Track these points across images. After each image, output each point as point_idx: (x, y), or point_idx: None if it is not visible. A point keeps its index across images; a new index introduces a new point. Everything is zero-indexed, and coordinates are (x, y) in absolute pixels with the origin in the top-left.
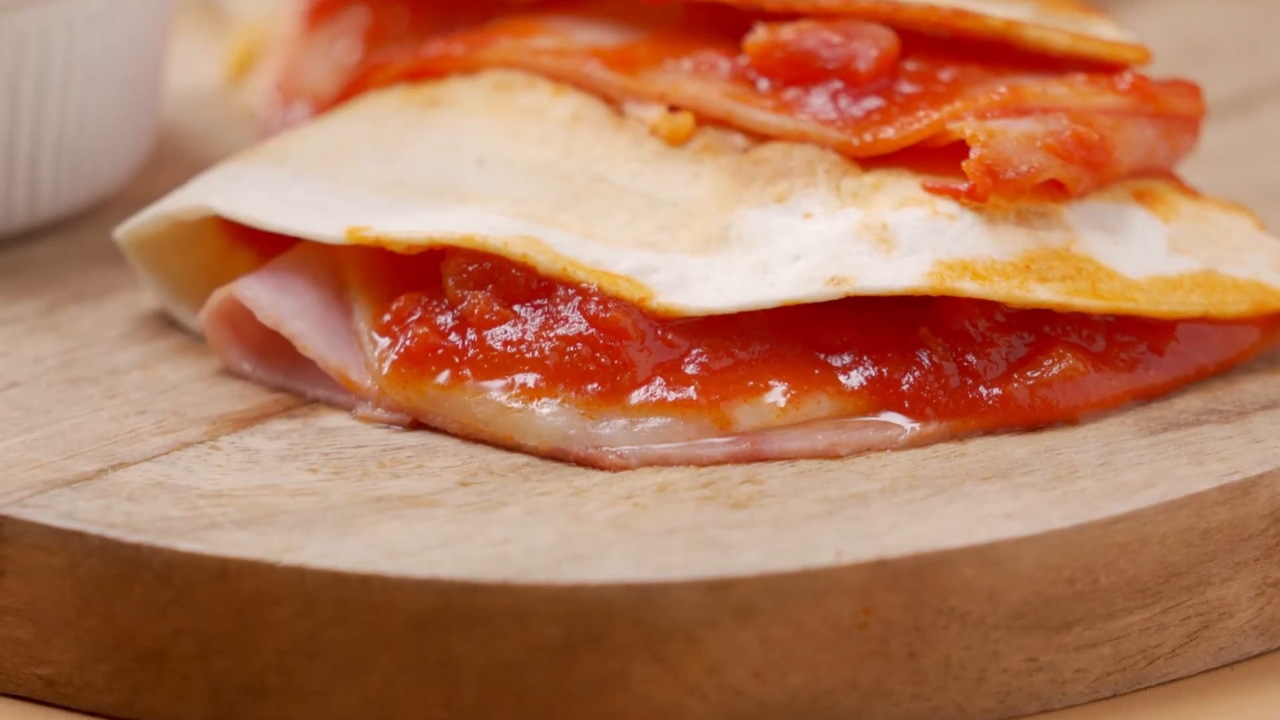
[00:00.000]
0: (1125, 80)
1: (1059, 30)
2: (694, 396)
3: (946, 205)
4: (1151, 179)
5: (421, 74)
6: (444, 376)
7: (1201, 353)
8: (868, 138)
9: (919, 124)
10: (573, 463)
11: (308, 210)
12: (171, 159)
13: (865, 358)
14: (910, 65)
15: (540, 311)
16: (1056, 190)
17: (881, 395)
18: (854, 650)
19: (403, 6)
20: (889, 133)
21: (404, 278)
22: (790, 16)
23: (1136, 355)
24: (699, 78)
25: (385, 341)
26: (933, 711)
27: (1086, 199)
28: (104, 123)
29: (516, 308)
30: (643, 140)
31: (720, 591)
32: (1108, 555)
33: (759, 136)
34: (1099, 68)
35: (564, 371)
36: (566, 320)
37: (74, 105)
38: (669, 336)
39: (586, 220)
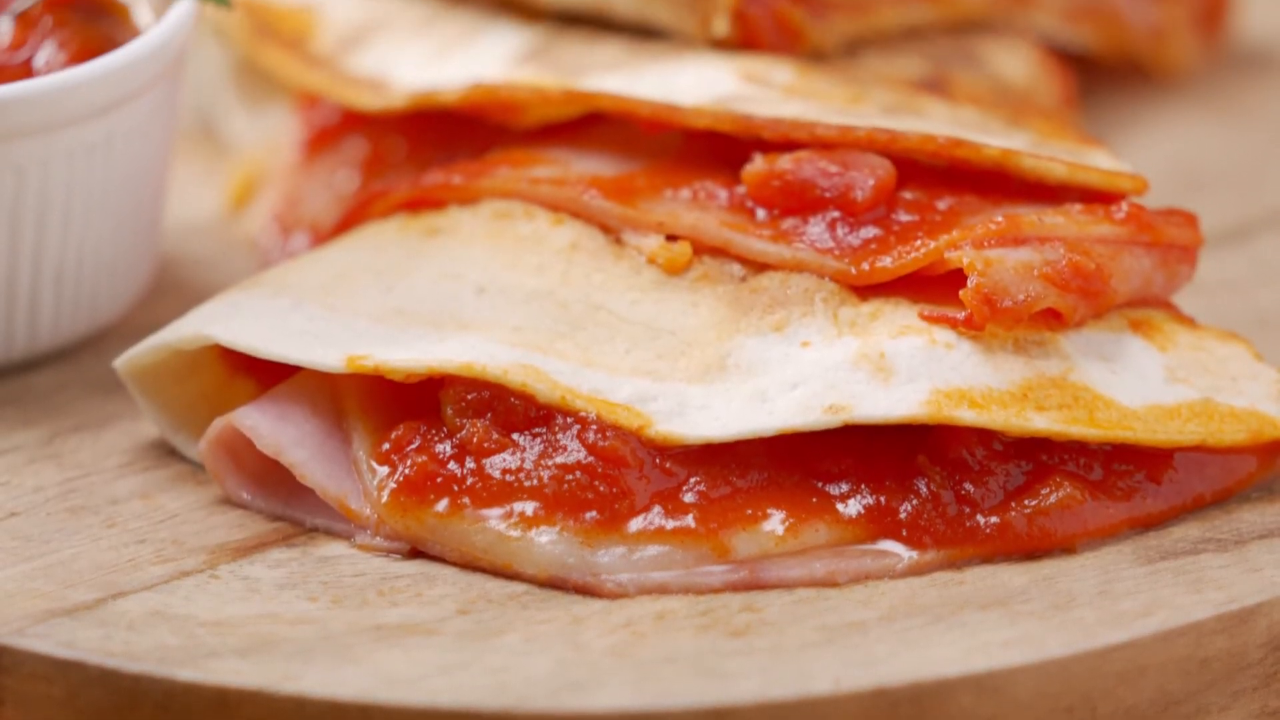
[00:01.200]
0: (1122, 210)
1: (1056, 160)
2: (692, 525)
3: (944, 334)
4: (1148, 308)
5: (421, 203)
6: (443, 505)
7: (1199, 481)
8: (865, 267)
9: (916, 253)
10: (571, 590)
11: (307, 339)
12: (171, 288)
13: (863, 486)
14: (908, 194)
15: (539, 440)
16: (1053, 319)
17: (879, 523)
18: None
19: (401, 136)
20: (886, 262)
21: (403, 406)
22: (788, 146)
23: (1134, 484)
24: (697, 207)
25: (384, 470)
26: None
27: (1083, 328)
28: (104, 253)
29: (515, 436)
30: (641, 269)
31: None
32: (1106, 683)
33: (757, 265)
34: (1096, 197)
35: (562, 500)
36: (565, 448)
37: (74, 236)
38: (667, 465)
39: (585, 348)
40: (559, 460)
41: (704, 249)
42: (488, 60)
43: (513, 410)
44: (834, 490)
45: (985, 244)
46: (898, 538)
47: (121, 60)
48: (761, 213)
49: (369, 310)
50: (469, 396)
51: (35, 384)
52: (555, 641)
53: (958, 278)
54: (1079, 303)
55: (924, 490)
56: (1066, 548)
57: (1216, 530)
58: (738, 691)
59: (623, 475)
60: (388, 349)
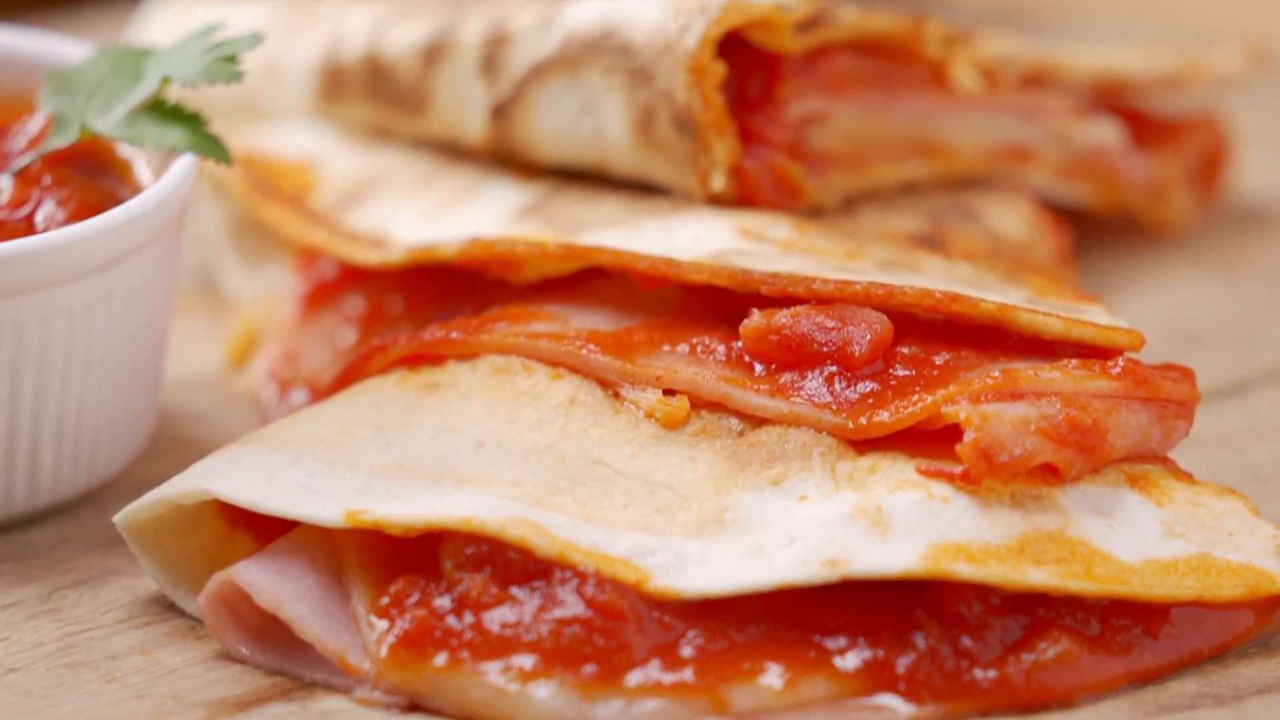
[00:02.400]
0: (1119, 365)
1: (1052, 315)
2: (691, 679)
3: (941, 488)
4: (1145, 463)
5: (420, 359)
6: (441, 659)
7: (1196, 636)
8: (862, 422)
9: (913, 408)
10: None
11: (306, 494)
12: (171, 443)
13: (861, 640)
14: (905, 349)
15: (538, 594)
16: (1050, 474)
17: (877, 677)
18: None
19: (399, 292)
20: (884, 417)
21: (402, 560)
22: (785, 301)
23: (1131, 639)
24: (695, 362)
25: (383, 624)
26: None
27: (1080, 482)
28: (104, 408)
29: (514, 590)
30: (639, 424)
31: None
32: None
33: (755, 419)
34: (1093, 352)
35: (561, 653)
36: (564, 602)
37: (74, 391)
38: (665, 618)
39: (584, 503)
40: (557, 614)
41: (702, 403)
42: (487, 216)
43: (511, 564)
44: (832, 644)
45: (982, 399)
46: (896, 692)
47: (122, 217)
48: (759, 367)
49: (368, 465)
50: (468, 551)
51: (35, 539)
52: None
53: (955, 431)
54: (1076, 458)
55: (922, 644)
56: (1064, 702)
57: (1214, 685)
58: None
59: (621, 629)
60: (387, 504)
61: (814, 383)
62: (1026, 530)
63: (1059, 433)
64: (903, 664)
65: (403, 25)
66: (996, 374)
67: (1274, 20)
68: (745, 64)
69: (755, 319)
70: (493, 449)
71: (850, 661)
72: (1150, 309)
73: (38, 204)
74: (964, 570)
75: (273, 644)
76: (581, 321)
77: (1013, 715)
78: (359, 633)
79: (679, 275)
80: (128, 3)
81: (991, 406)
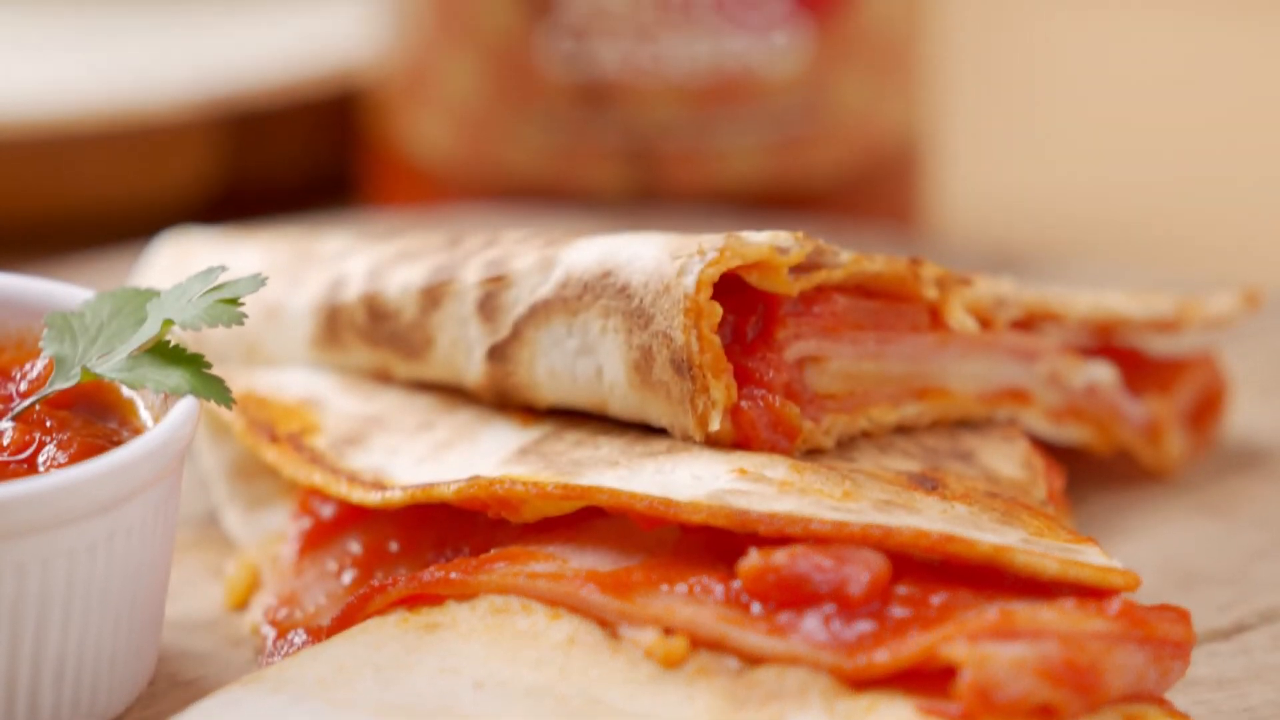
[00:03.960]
0: (1114, 606)
1: (1049, 556)
2: None
3: None
4: (1142, 703)
5: (419, 599)
6: None
7: None
8: (860, 661)
9: (911, 648)
10: None
11: None
12: (171, 684)
13: None
14: (902, 589)
15: None
16: (1048, 714)
17: None
18: None
19: (398, 533)
20: (882, 656)
21: None
22: (783, 541)
23: None
24: (693, 602)
25: None
26: None
27: None
28: (104, 650)
29: None
30: (638, 663)
31: None
32: None
33: (753, 658)
34: (1089, 592)
35: None
36: None
37: (75, 633)
38: None
39: None
40: None
41: (701, 642)
42: (486, 457)
43: None
44: None
45: (979, 639)
46: None
47: (123, 459)
48: (757, 607)
49: (368, 705)
50: None
51: None
52: None
53: (953, 671)
54: (1073, 698)
55: None
56: None
57: None
58: None
59: None
60: None
61: (812, 622)
62: None
63: (1056, 673)
64: None
65: (402, 267)
66: (993, 614)
67: (1267, 266)
68: (742, 305)
69: (753, 559)
70: (492, 689)
71: None
72: (1146, 549)
73: (39, 447)
74: None
75: None
76: (580, 561)
77: None
78: None
79: (677, 515)
80: (130, 250)
81: (989, 646)
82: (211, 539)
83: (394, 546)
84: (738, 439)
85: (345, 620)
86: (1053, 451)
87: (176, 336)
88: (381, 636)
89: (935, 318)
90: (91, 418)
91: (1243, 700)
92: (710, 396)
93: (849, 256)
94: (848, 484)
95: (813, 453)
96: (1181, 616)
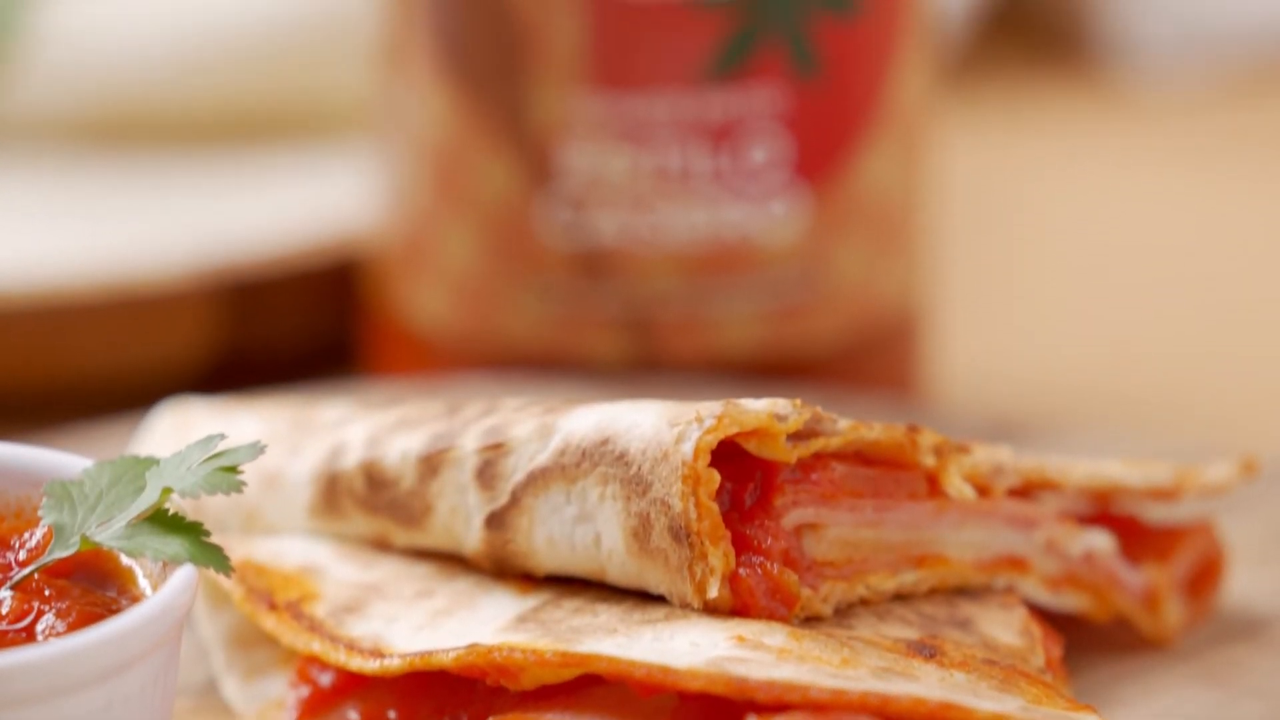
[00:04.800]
0: None
1: None
2: None
3: None
4: None
5: None
6: None
7: None
8: None
9: None
10: None
11: None
12: None
13: None
14: None
15: None
16: None
17: None
18: None
19: (396, 701)
20: None
21: None
22: (781, 708)
23: None
24: None
25: None
26: None
27: None
28: None
29: None
30: None
31: None
32: None
33: None
34: None
35: None
36: None
37: None
38: None
39: None
40: None
41: None
42: (484, 624)
43: None
44: None
45: None
46: None
47: (121, 628)
48: None
49: None
50: None
51: None
52: None
53: None
54: None
55: None
56: None
57: None
58: None
59: None
60: None
61: None
62: None
63: None
64: None
65: (401, 435)
66: None
67: (1264, 435)
68: (740, 472)
69: None
70: None
71: None
72: (1144, 718)
73: (38, 615)
74: None
75: None
76: None
77: None
78: None
79: (675, 682)
80: (130, 420)
81: None
82: (210, 707)
83: (393, 715)
84: (736, 606)
85: None
86: (1051, 619)
87: (176, 504)
88: None
89: (933, 485)
90: (90, 586)
91: None
92: (708, 564)
93: (847, 424)
94: (846, 651)
95: (811, 620)
96: None
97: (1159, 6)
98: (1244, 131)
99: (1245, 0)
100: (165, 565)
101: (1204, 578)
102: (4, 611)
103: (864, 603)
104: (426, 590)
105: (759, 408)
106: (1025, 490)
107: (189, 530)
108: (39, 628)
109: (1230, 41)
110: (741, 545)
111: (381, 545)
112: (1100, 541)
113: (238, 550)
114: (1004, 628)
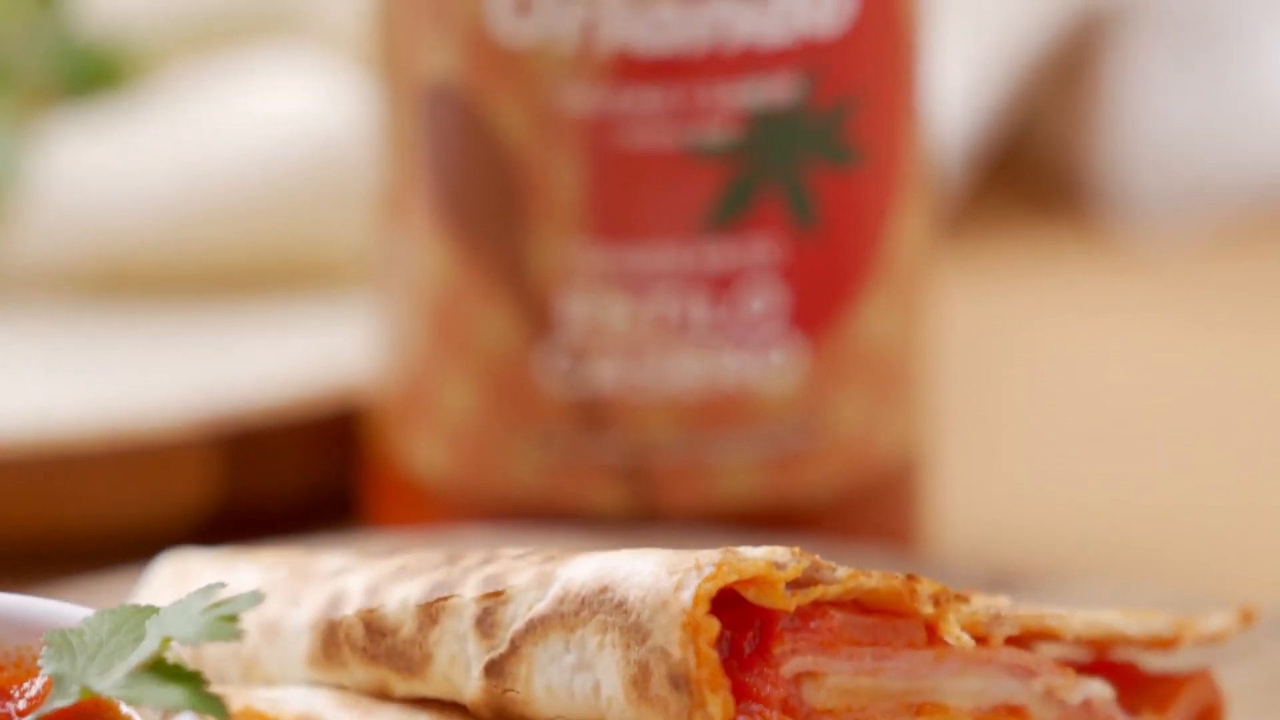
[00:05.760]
0: None
1: None
2: None
3: None
4: None
5: None
6: None
7: None
8: None
9: None
10: None
11: None
12: None
13: None
14: None
15: None
16: None
17: None
18: None
19: None
20: None
21: None
22: None
23: None
24: None
25: None
26: None
27: None
28: None
29: None
30: None
31: None
32: None
33: None
34: None
35: None
36: None
37: None
38: None
39: None
40: None
41: None
42: None
43: None
44: None
45: None
46: None
47: None
48: None
49: None
50: None
51: None
52: None
53: None
54: None
55: None
56: None
57: None
58: None
59: None
60: None
61: None
62: None
63: None
64: None
65: (401, 584)
66: None
67: (1262, 584)
68: (740, 620)
69: None
70: None
71: None
72: None
73: None
74: None
75: None
76: None
77: None
78: None
79: None
80: (130, 570)
81: None
82: None
83: None
84: None
85: None
86: None
87: (176, 654)
88: None
89: (932, 634)
90: None
91: None
92: (707, 712)
93: (845, 572)
94: None
95: None
96: None
97: (1154, 159)
98: (1242, 283)
99: (1240, 154)
100: (165, 714)
101: None
102: None
103: None
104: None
105: (758, 556)
106: (1024, 639)
107: (189, 679)
108: None
109: (1226, 194)
110: (741, 693)
111: (381, 695)
112: (1099, 690)
113: (237, 699)
114: None
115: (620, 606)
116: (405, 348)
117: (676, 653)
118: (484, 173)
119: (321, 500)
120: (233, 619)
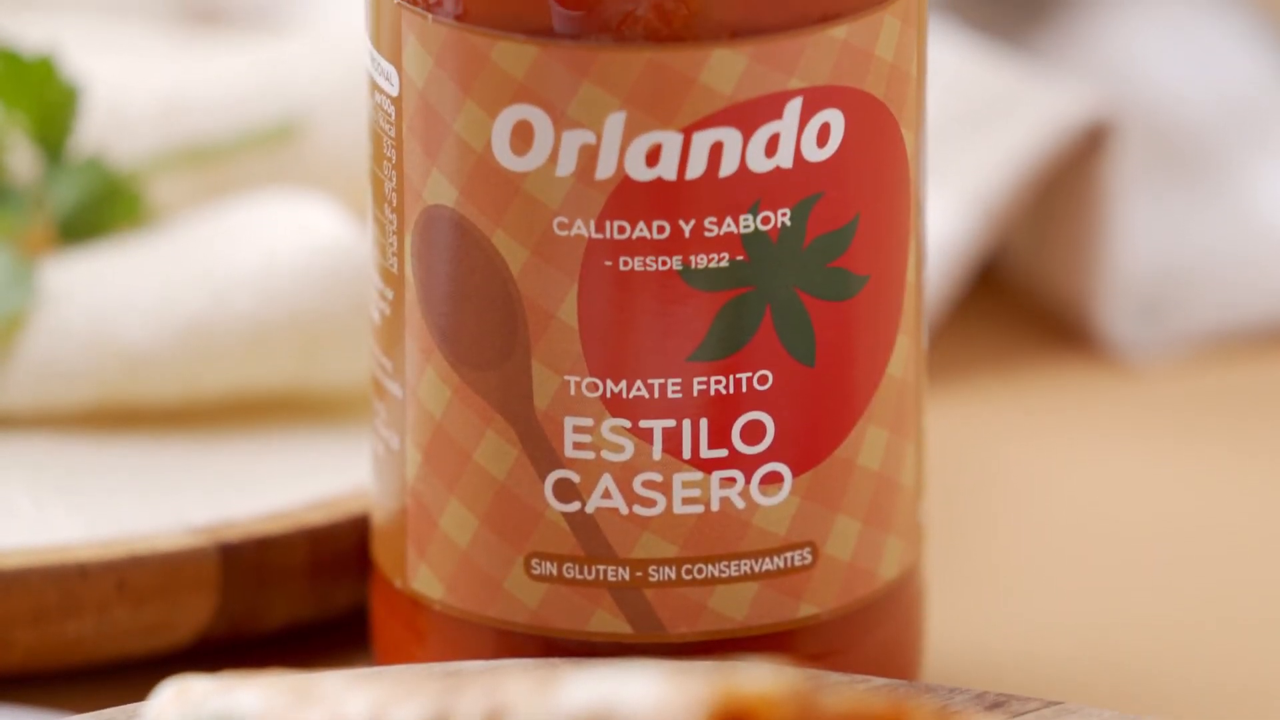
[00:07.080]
0: None
1: None
2: None
3: None
4: None
5: None
6: None
7: None
8: None
9: None
10: None
11: None
12: None
13: None
14: None
15: None
16: None
17: None
18: None
19: None
20: None
21: None
22: None
23: None
24: None
25: None
26: None
27: None
28: None
29: None
30: None
31: None
32: None
33: None
34: None
35: None
36: None
37: None
38: None
39: None
40: None
41: None
42: None
43: None
44: None
45: None
46: None
47: None
48: None
49: None
50: None
51: None
52: None
53: None
54: None
55: None
56: None
57: None
58: None
59: None
60: None
61: None
62: None
63: None
64: None
65: (402, 706)
66: None
67: (1260, 709)
68: None
69: None
70: None
71: None
72: None
73: None
74: None
75: None
76: None
77: None
78: None
79: None
80: (130, 699)
81: None
82: None
83: None
84: None
85: None
86: None
87: None
88: None
89: None
90: None
91: None
92: None
93: (844, 695)
94: None
95: None
96: None
97: (1136, 281)
98: (1232, 398)
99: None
100: None
101: None
102: None
103: None
104: None
105: (758, 679)
106: None
107: None
108: None
109: (1211, 315)
110: None
111: None
112: None
113: None
114: None
115: None
116: (405, 477)
117: None
118: (482, 299)
119: (323, 628)
120: None
